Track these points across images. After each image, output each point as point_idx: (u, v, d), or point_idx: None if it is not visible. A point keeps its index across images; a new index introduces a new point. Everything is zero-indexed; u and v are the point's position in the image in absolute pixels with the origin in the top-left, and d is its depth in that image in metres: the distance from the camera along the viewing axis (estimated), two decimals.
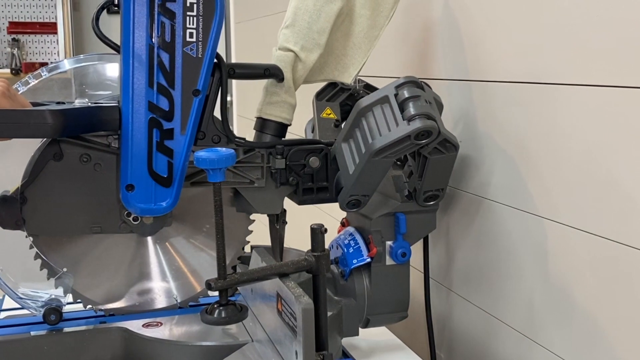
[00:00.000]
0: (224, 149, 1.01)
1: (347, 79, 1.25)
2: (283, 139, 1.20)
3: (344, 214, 1.34)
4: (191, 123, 1.04)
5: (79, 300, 1.17)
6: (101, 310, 1.20)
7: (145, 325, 1.17)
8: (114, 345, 1.14)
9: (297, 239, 2.12)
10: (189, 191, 1.13)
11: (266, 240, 1.29)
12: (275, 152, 1.15)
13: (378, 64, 1.66)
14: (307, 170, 1.17)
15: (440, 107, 1.16)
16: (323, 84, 1.31)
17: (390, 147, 1.07)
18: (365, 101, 1.11)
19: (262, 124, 1.19)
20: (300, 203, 1.21)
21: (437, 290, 1.44)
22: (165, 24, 1.00)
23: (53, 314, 1.13)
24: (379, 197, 1.28)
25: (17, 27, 5.77)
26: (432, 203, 1.23)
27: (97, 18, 1.07)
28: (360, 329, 1.25)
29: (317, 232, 1.00)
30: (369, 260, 1.22)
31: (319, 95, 1.30)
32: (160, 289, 1.21)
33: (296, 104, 1.20)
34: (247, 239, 1.25)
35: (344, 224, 1.32)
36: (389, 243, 1.23)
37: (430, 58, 1.43)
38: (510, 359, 1.24)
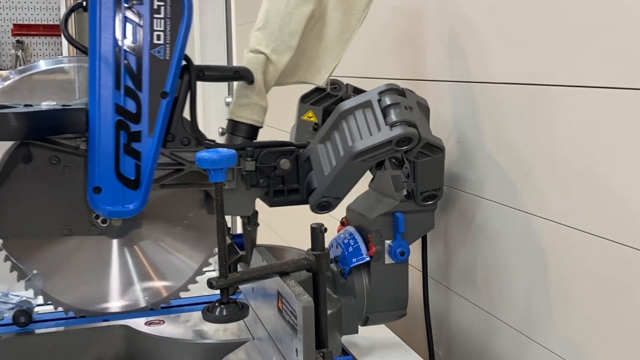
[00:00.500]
0: (225, 149, 1.00)
1: (320, 81, 1.23)
2: (255, 140, 1.18)
3: (343, 213, 1.34)
4: (159, 125, 1.02)
5: (49, 303, 1.16)
6: (72, 311, 1.18)
7: (148, 323, 1.17)
8: (117, 342, 1.14)
9: (297, 238, 2.12)
10: (160, 193, 1.12)
11: (266, 241, 1.29)
12: (245, 154, 1.13)
13: (375, 66, 1.67)
14: (277, 173, 1.16)
15: (426, 110, 1.15)
16: (312, 86, 1.29)
17: (371, 150, 1.07)
18: (347, 104, 1.11)
19: (233, 126, 1.18)
20: (271, 205, 1.19)
21: (435, 288, 1.44)
22: (132, 26, 0.99)
23: (23, 315, 1.12)
24: (379, 197, 1.28)
25: (22, 29, 5.77)
26: (430, 203, 1.23)
27: (65, 21, 1.06)
28: (359, 327, 1.25)
29: (317, 231, 1.00)
30: (368, 259, 1.22)
31: (304, 99, 1.29)
32: (131, 290, 1.20)
33: (267, 106, 1.19)
34: None
35: (343, 223, 1.32)
36: (388, 242, 1.23)
37: (428, 60, 1.43)
38: (508, 356, 1.24)
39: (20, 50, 5.63)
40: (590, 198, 1.01)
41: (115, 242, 1.17)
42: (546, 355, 1.13)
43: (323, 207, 1.15)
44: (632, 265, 0.94)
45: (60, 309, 1.18)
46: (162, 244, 1.20)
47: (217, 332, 1.15)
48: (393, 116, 1.07)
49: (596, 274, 1.01)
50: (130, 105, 1.01)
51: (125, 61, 0.99)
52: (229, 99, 3.56)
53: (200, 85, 1.22)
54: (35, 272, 1.12)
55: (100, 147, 1.00)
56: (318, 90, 1.29)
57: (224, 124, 3.93)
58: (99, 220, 1.10)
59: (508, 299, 1.22)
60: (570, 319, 1.07)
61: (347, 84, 1.31)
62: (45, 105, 1.04)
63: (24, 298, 1.15)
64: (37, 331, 1.12)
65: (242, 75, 1.15)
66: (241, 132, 1.17)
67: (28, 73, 1.18)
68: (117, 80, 0.99)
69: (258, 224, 1.25)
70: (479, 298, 1.31)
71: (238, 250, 1.29)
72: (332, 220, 1.68)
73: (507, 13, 1.16)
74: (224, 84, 3.53)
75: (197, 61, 1.17)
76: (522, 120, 1.14)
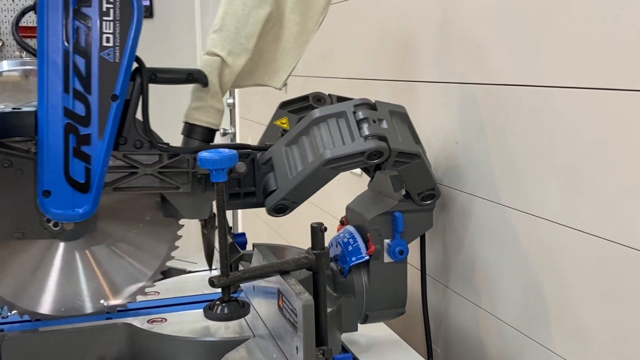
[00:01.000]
0: (227, 149, 1.00)
1: (277, 83, 1.22)
2: (212, 143, 1.16)
3: (343, 213, 1.34)
4: (109, 128, 1.00)
5: (3, 307, 1.14)
6: (27, 315, 1.15)
7: (150, 321, 1.17)
8: (120, 340, 1.14)
9: (297, 237, 2.13)
10: (115, 196, 1.10)
11: (267, 240, 1.28)
12: None
13: (372, 68, 1.67)
14: (233, 175, 1.14)
15: (402, 116, 1.15)
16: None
17: (342, 159, 1.07)
18: (320, 112, 1.10)
19: (189, 129, 1.16)
20: (227, 208, 1.17)
21: (433, 287, 1.44)
22: (81, 28, 0.97)
23: None
24: (378, 197, 1.28)
25: (26, 32, 5.76)
26: (428, 202, 1.23)
27: (16, 23, 1.05)
28: (359, 325, 1.25)
29: (317, 231, 1.00)
30: (367, 257, 1.22)
31: (284, 105, 1.27)
32: (86, 294, 1.17)
33: (224, 108, 1.17)
34: (177, 244, 1.20)
35: (343, 223, 1.32)
36: (387, 241, 1.23)
37: (425, 61, 1.43)
38: (505, 354, 1.24)
39: (24, 52, 5.63)
40: (586, 198, 1.01)
41: (67, 245, 1.14)
42: (543, 353, 1.13)
43: (279, 210, 1.12)
44: (628, 264, 0.94)
45: (15, 312, 1.16)
46: (115, 248, 1.17)
47: (218, 329, 1.15)
48: (366, 130, 1.08)
49: (593, 273, 1.01)
50: (79, 109, 0.98)
51: (74, 64, 0.97)
52: (231, 100, 3.56)
53: None
54: None
55: (49, 150, 0.98)
56: (302, 99, 1.27)
57: (226, 125, 3.92)
58: (50, 224, 1.08)
59: (505, 298, 1.22)
60: (567, 317, 1.07)
61: (330, 95, 1.30)
62: None
63: None
64: (41, 329, 1.12)
65: (196, 78, 1.12)
66: (197, 135, 1.15)
67: None
68: (65, 83, 0.97)
69: (216, 227, 1.22)
70: (477, 296, 1.31)
71: (239, 249, 1.29)
72: (331, 220, 1.68)
73: (500, 19, 1.16)
74: None
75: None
76: (519, 120, 1.14)
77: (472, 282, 1.32)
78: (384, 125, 1.10)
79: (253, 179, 1.15)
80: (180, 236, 1.19)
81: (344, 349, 1.25)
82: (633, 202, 0.92)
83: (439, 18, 1.37)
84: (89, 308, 1.16)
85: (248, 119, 2.98)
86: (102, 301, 1.17)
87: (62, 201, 1.00)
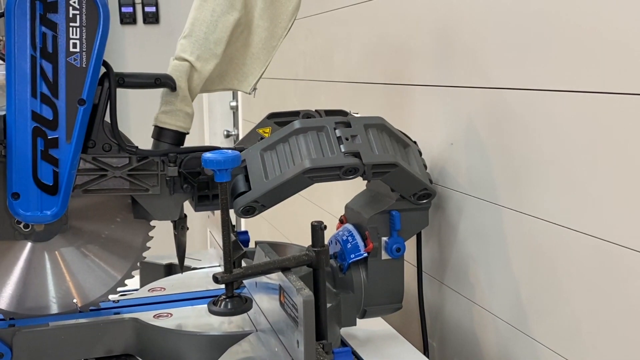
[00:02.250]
0: (230, 151, 1.00)
1: (247, 87, 1.21)
2: (181, 146, 1.15)
3: (342, 212, 1.34)
4: (77, 132, 0.99)
5: None
6: (1, 313, 1.14)
7: (156, 316, 1.17)
8: (127, 334, 1.14)
9: (297, 235, 2.13)
10: (86, 198, 1.09)
11: (269, 238, 1.28)
12: (168, 160, 1.10)
13: (369, 72, 1.67)
14: (202, 178, 1.13)
15: (380, 127, 1.15)
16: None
17: (321, 170, 1.08)
18: (301, 123, 1.11)
19: (158, 132, 1.15)
20: (196, 210, 1.16)
21: (429, 283, 1.44)
22: (47, 34, 0.96)
23: None
24: (376, 196, 1.28)
25: None
26: (424, 201, 1.24)
27: None
28: (357, 320, 1.25)
29: (317, 229, 1.00)
30: (365, 255, 1.22)
31: (272, 116, 1.26)
32: (58, 294, 1.16)
33: (193, 112, 1.16)
34: (148, 244, 1.19)
35: (342, 221, 1.32)
36: (384, 239, 1.23)
37: (421, 66, 1.43)
38: (498, 347, 1.24)
39: None
40: (577, 197, 1.01)
41: (38, 246, 1.13)
42: (535, 347, 1.13)
43: (247, 211, 1.11)
44: (615, 260, 0.94)
45: None
46: (85, 250, 1.16)
47: (222, 324, 1.15)
48: (342, 147, 1.10)
49: (582, 269, 1.01)
50: (47, 112, 0.98)
51: (41, 69, 0.96)
52: (234, 103, 3.56)
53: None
54: None
55: (17, 153, 0.97)
56: (292, 114, 1.26)
57: (229, 127, 3.94)
58: (20, 225, 1.07)
59: (499, 293, 1.22)
60: (558, 312, 1.07)
61: (317, 111, 1.30)
62: None
63: None
64: (52, 324, 1.12)
65: (163, 82, 1.12)
66: (166, 138, 1.14)
67: None
68: (33, 88, 0.96)
69: (187, 228, 1.22)
70: (471, 292, 1.31)
71: (242, 246, 1.29)
72: (331, 218, 1.68)
73: (492, 26, 1.16)
74: None
75: None
76: (511, 123, 1.14)
77: (467, 278, 1.32)
78: (358, 141, 1.11)
79: None
80: (152, 237, 1.18)
81: (343, 343, 1.25)
82: (620, 202, 0.92)
83: (433, 25, 1.37)
84: (59, 307, 1.15)
85: (250, 121, 2.98)
86: (74, 300, 1.16)
87: (30, 203, 1.00)
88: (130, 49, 4.06)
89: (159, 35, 4.10)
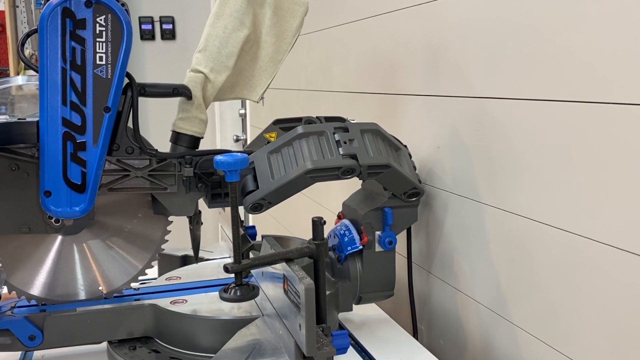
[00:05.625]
0: (239, 153, 1.00)
1: (255, 97, 1.21)
2: (196, 149, 1.15)
3: (340, 208, 1.34)
4: (102, 136, 0.99)
5: (13, 292, 1.13)
6: (34, 300, 1.14)
7: (173, 302, 1.17)
8: (146, 318, 1.14)
9: (300, 230, 2.13)
10: (110, 196, 1.09)
11: (274, 232, 1.28)
12: (184, 162, 1.11)
13: (364, 83, 1.67)
14: (214, 178, 1.13)
15: (374, 132, 1.15)
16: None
17: (322, 170, 1.08)
18: (303, 129, 1.11)
19: (176, 137, 1.15)
20: (209, 207, 1.17)
21: (418, 272, 1.44)
22: (77, 48, 0.96)
23: None
24: (370, 194, 1.28)
25: None
26: (414, 199, 1.24)
27: (22, 44, 1.04)
28: (353, 305, 1.25)
29: (318, 224, 1.00)
30: (361, 247, 1.22)
31: (277, 122, 1.26)
32: (85, 282, 1.16)
33: (207, 119, 1.17)
34: (166, 238, 1.19)
35: (340, 217, 1.32)
36: (378, 233, 1.23)
37: (410, 77, 1.43)
38: (480, 330, 1.24)
39: None
40: (551, 195, 1.01)
41: (68, 239, 1.13)
42: (513, 330, 1.13)
43: (256, 207, 1.11)
44: (584, 251, 0.94)
45: (23, 297, 1.14)
46: (109, 242, 1.16)
47: (232, 309, 1.15)
48: (341, 150, 1.10)
49: (556, 260, 1.01)
50: (76, 119, 0.98)
51: (71, 80, 0.97)
52: (242, 111, 3.56)
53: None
54: (0, 265, 1.09)
55: (49, 155, 0.98)
56: (296, 120, 1.26)
57: (238, 132, 3.92)
58: (52, 220, 1.07)
59: (480, 282, 1.22)
60: (533, 298, 1.07)
61: (317, 117, 1.30)
62: (1, 119, 1.02)
63: None
64: (79, 309, 1.12)
65: (180, 92, 1.12)
66: (183, 142, 1.14)
67: (7, 86, 1.14)
68: (63, 97, 0.97)
69: (202, 223, 1.22)
70: (456, 281, 1.31)
71: (250, 240, 1.28)
72: (330, 214, 1.68)
73: (475, 42, 1.16)
74: None
75: None
76: (492, 128, 1.15)
77: (452, 268, 1.32)
78: (355, 144, 1.11)
79: None
80: (170, 231, 1.18)
81: (341, 327, 1.25)
82: (588, 199, 0.92)
83: (422, 41, 1.37)
84: (86, 294, 1.16)
85: (257, 127, 2.98)
86: (99, 288, 1.17)
87: (61, 200, 1.00)
88: (149, 62, 4.06)
89: (175, 49, 4.11)
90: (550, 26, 0.98)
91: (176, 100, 1.15)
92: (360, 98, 1.72)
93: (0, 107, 1.15)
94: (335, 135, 1.12)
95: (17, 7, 4.45)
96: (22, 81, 1.22)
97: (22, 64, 4.40)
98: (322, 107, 2.03)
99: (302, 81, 2.24)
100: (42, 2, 0.96)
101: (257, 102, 1.23)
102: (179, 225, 1.24)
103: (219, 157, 0.96)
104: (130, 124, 1.07)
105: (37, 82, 0.97)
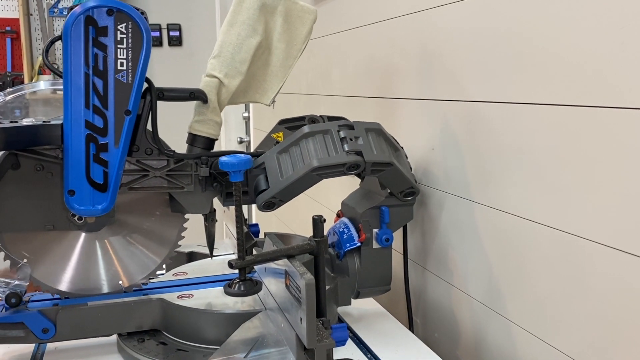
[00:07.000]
0: (243, 155, 1.00)
1: (267, 100, 1.22)
2: (211, 150, 1.16)
3: (339, 207, 1.34)
4: (123, 138, 1.00)
5: (37, 286, 1.13)
6: (58, 294, 1.14)
7: (180, 297, 1.17)
8: (154, 312, 1.14)
9: (301, 227, 2.13)
10: (130, 195, 1.10)
11: (276, 229, 1.28)
12: (200, 162, 1.11)
13: (362, 87, 1.67)
14: (229, 178, 1.13)
15: (377, 132, 1.15)
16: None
17: (327, 167, 1.08)
18: (309, 128, 1.11)
19: (192, 139, 1.15)
20: (224, 205, 1.17)
21: (414, 268, 1.44)
22: (99, 55, 0.96)
23: (14, 297, 1.09)
24: (368, 194, 1.29)
25: None
26: (409, 198, 1.24)
27: (46, 50, 1.04)
28: (352, 300, 1.25)
29: (318, 222, 1.00)
30: (359, 244, 1.22)
31: (283, 122, 1.27)
32: (106, 276, 1.16)
33: (222, 121, 1.17)
34: (182, 234, 1.20)
35: (339, 215, 1.33)
36: (375, 230, 1.23)
37: (407, 81, 1.43)
38: (473, 323, 1.24)
39: None
40: (541, 195, 1.01)
41: (90, 235, 1.14)
42: (504, 323, 1.13)
43: (268, 206, 1.12)
44: (573, 248, 0.94)
45: (46, 291, 1.14)
46: (129, 239, 1.16)
47: (236, 304, 1.15)
48: (346, 146, 1.10)
49: (545, 256, 1.01)
50: (98, 121, 0.98)
51: (93, 84, 0.97)
52: (246, 114, 3.56)
53: None
54: (24, 261, 1.09)
55: (72, 156, 0.98)
56: (299, 119, 1.27)
57: (242, 134, 3.91)
58: (75, 218, 1.08)
59: (473, 277, 1.23)
60: (524, 293, 1.07)
61: (321, 116, 1.30)
62: (27, 121, 1.02)
63: (16, 282, 1.12)
64: (90, 303, 1.12)
65: (197, 96, 1.12)
66: (199, 144, 1.14)
67: (25, 92, 1.14)
68: (86, 100, 0.97)
69: (216, 220, 1.22)
70: (450, 276, 1.31)
71: (253, 237, 1.29)
72: (329, 213, 1.68)
73: (469, 47, 1.17)
74: None
75: None
76: (485, 130, 1.15)
77: (446, 264, 1.32)
78: (360, 141, 1.11)
79: (246, 180, 1.14)
80: (186, 228, 1.19)
81: (340, 320, 1.25)
82: (576, 198, 0.93)
83: (417, 47, 1.37)
84: (107, 288, 1.16)
85: (260, 129, 2.98)
86: (120, 282, 1.17)
87: (84, 199, 1.00)
88: (157, 67, 4.06)
89: (182, 55, 4.11)
90: (538, 33, 0.98)
91: (191, 104, 1.16)
92: (358, 102, 1.73)
93: (15, 111, 1.15)
94: (341, 132, 1.11)
95: (31, 15, 4.45)
96: (45, 86, 1.22)
97: (36, 70, 4.41)
98: (322, 110, 2.04)
99: (303, 86, 2.24)
100: (66, 11, 0.96)
101: (269, 105, 1.24)
102: (186, 224, 1.24)
103: (223, 158, 0.96)
104: (149, 127, 1.08)
105: (61, 87, 0.98)
